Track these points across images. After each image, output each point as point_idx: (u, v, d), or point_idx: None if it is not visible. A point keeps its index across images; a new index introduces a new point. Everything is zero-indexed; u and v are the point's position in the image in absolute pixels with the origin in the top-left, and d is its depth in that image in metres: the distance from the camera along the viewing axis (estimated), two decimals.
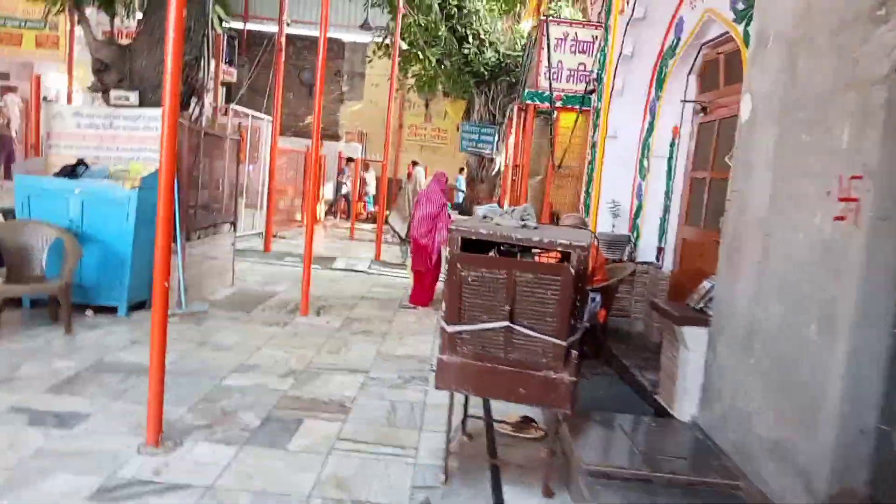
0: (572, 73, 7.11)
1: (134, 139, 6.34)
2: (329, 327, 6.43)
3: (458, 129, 15.05)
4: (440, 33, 13.06)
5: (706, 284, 4.11)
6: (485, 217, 3.68)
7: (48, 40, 10.67)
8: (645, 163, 6.19)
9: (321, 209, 17.48)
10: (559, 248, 3.07)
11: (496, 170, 14.30)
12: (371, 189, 19.45)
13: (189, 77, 6.59)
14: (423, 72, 14.36)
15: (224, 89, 20.66)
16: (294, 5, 18.79)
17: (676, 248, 5.76)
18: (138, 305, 6.27)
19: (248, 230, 11.82)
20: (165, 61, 3.33)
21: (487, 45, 12.91)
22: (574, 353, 3.07)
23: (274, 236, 12.47)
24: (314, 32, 23.51)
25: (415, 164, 15.62)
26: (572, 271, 2.89)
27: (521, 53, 12.89)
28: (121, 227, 5.90)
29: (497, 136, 13.93)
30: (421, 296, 7.70)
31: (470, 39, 12.89)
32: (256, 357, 5.21)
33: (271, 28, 18.77)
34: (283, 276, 9.00)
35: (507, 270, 2.97)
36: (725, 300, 3.54)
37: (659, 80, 6.07)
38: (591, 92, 6.96)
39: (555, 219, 7.03)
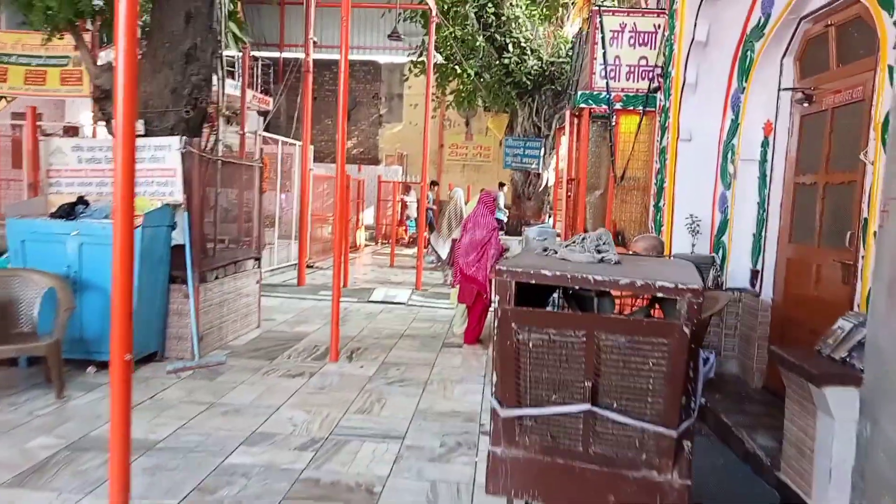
0: (632, 69, 6.14)
1: (139, 172, 5.64)
2: (361, 375, 5.55)
3: (500, 144, 14.17)
4: (478, 44, 12.26)
5: (844, 324, 3.06)
6: (546, 250, 2.75)
7: (72, 76, 10.34)
8: (729, 168, 5.15)
9: (361, 236, 16.81)
10: (660, 293, 2.11)
11: (544, 185, 13.32)
12: (413, 212, 18.70)
13: (199, 100, 5.91)
14: (461, 86, 13.57)
15: (262, 119, 20.43)
16: (328, 30, 18.43)
17: (778, 270, 4.68)
18: (147, 359, 5.54)
19: (283, 262, 11.16)
20: (115, 68, 2.54)
21: (529, 52, 12.04)
22: (687, 444, 2.09)
23: (310, 266, 11.79)
24: (351, 56, 23.22)
25: (434, 184, 14.83)
26: (686, 330, 1.93)
27: (565, 60, 11.96)
28: None
29: (543, 149, 12.98)
30: (468, 332, 6.78)
31: (510, 48, 12.04)
32: (273, 421, 4.36)
33: (314, 56, 18.46)
34: (317, 312, 8.21)
35: (588, 331, 2.03)
36: (892, 350, 2.50)
37: (743, 69, 5.05)
38: (657, 90, 5.97)
39: (619, 239, 6.02)
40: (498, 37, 12.08)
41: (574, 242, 2.70)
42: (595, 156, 6.28)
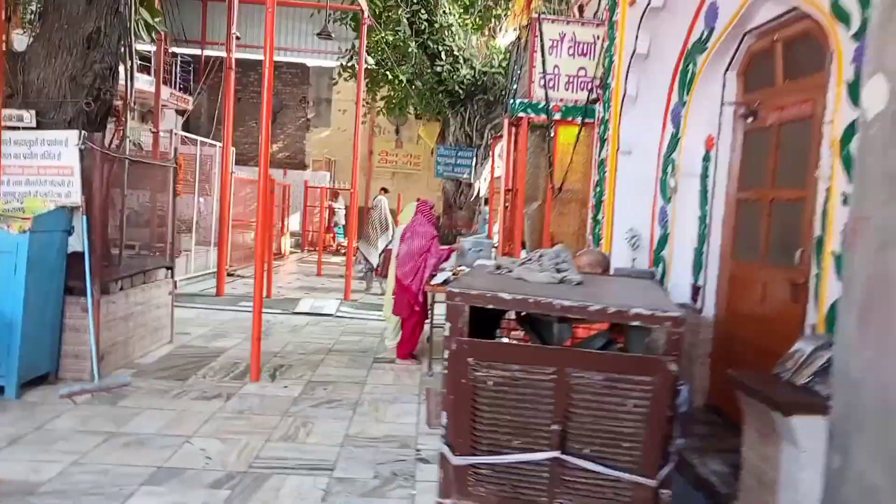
0: (571, 79, 6.01)
1: (29, 169, 5.01)
2: (286, 397, 5.11)
3: (432, 153, 13.92)
4: (410, 50, 11.97)
5: (804, 347, 2.94)
6: (499, 267, 2.46)
7: None
8: (670, 182, 5.06)
9: (287, 243, 16.15)
10: (635, 321, 1.85)
11: (475, 195, 13.16)
12: (341, 219, 18.18)
13: (103, 90, 5.31)
14: (392, 93, 13.24)
15: (181, 118, 19.36)
16: (254, 29, 17.69)
17: (720, 287, 4.60)
18: (37, 381, 4.89)
19: (201, 270, 10.43)
20: None
21: (462, 61, 11.86)
22: (666, 494, 1.84)
23: (231, 275, 11.10)
24: (278, 57, 22.40)
25: (384, 190, 14.47)
26: (672, 367, 1.68)
27: (498, 70, 11.86)
28: (7, 282, 4.54)
29: (475, 159, 12.83)
30: (401, 346, 6.43)
31: (443, 56, 11.82)
32: (183, 454, 3.87)
33: (238, 55, 17.65)
34: (237, 325, 7.64)
35: (559, 367, 1.74)
36: (864, 380, 2.35)
37: (684, 82, 4.97)
38: (596, 101, 5.85)
39: None
40: (431, 44, 11.83)
41: (531, 260, 2.43)
42: (533, 166, 6.10)
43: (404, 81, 12.49)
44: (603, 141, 5.62)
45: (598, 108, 5.81)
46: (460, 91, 11.91)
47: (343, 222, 17.94)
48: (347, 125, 21.61)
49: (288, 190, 16.31)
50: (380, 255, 9.84)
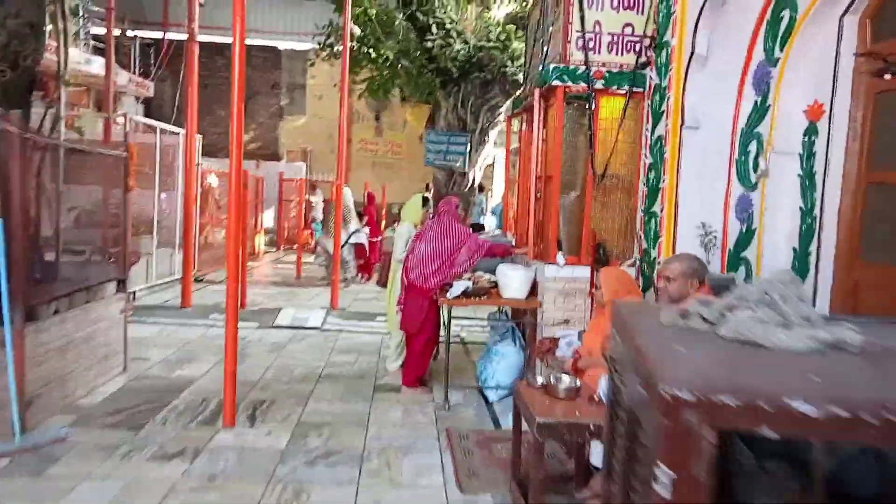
0: (616, 39, 4.90)
1: None
2: (270, 450, 3.95)
3: (421, 139, 12.74)
4: (396, 24, 10.75)
5: None
6: (685, 316, 1.33)
7: None
8: (760, 164, 3.99)
9: (261, 241, 14.87)
10: None
11: (469, 185, 12.02)
12: (319, 214, 16.88)
13: (21, 55, 4.05)
14: (376, 73, 11.98)
15: (143, 106, 17.86)
16: (221, 10, 16.29)
17: (841, 297, 3.55)
18: None
19: (164, 277, 9.15)
20: None
21: (455, 35, 10.66)
22: None
23: (198, 281, 9.84)
24: (248, 40, 20.97)
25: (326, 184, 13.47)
26: None
27: (496, 45, 10.70)
28: None
29: (469, 145, 11.67)
30: (407, 370, 5.30)
31: (433, 30, 10.62)
32: None
33: (204, 38, 16.24)
34: (206, 345, 6.43)
35: None
36: None
37: (775, 34, 3.90)
38: (646, 65, 4.75)
39: (601, 254, 4.76)
40: (420, 16, 10.62)
41: (744, 300, 1.30)
42: (570, 147, 4.98)
43: (390, 59, 11.27)
44: (657, 114, 4.52)
45: (650, 73, 4.71)
46: (453, 69, 10.72)
47: (321, 217, 16.65)
48: (324, 112, 20.31)
49: (261, 183, 15.00)
50: (342, 246, 9.69)
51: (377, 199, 12.33)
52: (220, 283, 9.98)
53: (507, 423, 4.24)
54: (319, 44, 12.45)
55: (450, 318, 4.98)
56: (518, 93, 11.23)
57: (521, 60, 8.74)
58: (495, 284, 5.09)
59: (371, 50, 11.27)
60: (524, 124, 5.90)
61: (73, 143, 5.02)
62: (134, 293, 8.19)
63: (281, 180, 16.10)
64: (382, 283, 5.88)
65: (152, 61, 18.00)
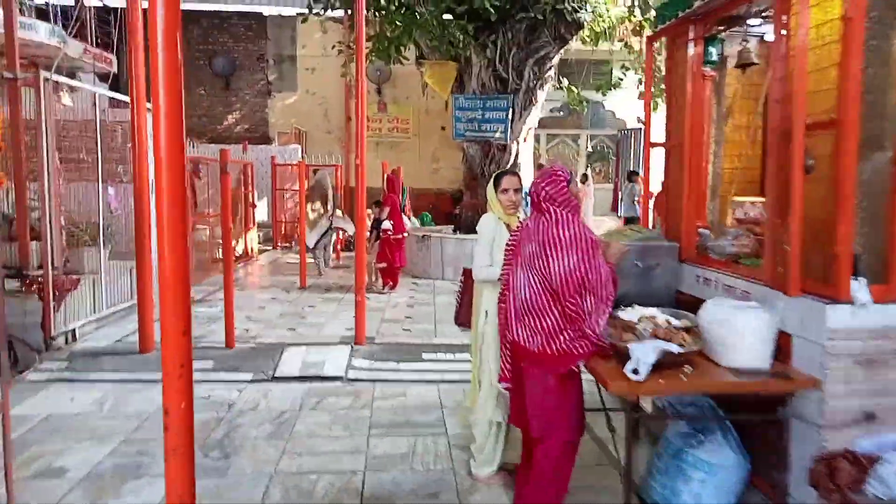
0: None
1: None
2: None
3: (446, 106, 10.22)
4: None
5: None
6: None
7: None
8: None
9: (253, 239, 12.41)
10: None
11: (511, 161, 9.56)
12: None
13: None
14: (389, 27, 9.42)
15: (106, 86, 15.23)
16: None
17: None
18: None
19: (120, 302, 6.65)
20: None
21: None
22: None
23: None
24: (227, 6, 18.23)
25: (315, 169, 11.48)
26: None
27: None
28: None
29: (511, 110, 9.20)
30: (539, 491, 2.87)
31: None
32: None
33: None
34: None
35: None
36: None
37: None
38: None
39: None
40: None
41: None
42: (870, 77, 2.52)
43: (402, 6, 8.77)
44: None
45: None
46: (490, 10, 8.19)
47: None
48: (317, 87, 17.70)
49: (251, 170, 12.51)
50: (319, 238, 9.70)
51: (401, 182, 9.82)
52: (200, 303, 7.54)
53: None
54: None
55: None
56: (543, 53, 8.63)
57: None
58: (687, 330, 2.68)
59: None
60: (693, 43, 3.42)
61: None
62: (73, 332, 5.76)
63: (273, 166, 13.60)
64: (464, 321, 3.47)
65: (114, 31, 15.35)
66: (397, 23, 9.19)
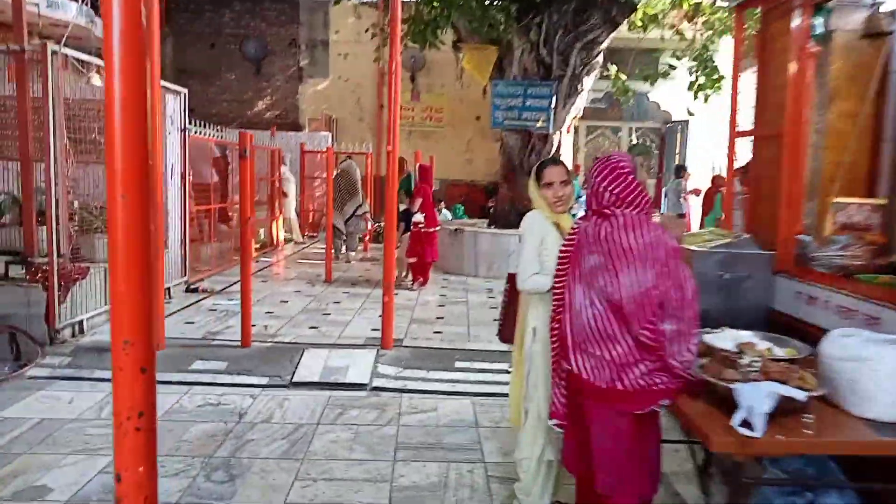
0: None
1: None
2: None
3: (484, 92, 9.64)
4: None
5: None
6: None
7: None
8: None
9: (279, 228, 12.01)
10: None
11: (553, 151, 8.96)
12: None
13: None
14: (425, 8, 8.87)
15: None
16: None
17: None
18: None
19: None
20: None
21: None
22: None
23: (193, 290, 7.06)
24: None
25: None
26: None
27: None
28: None
29: (555, 98, 8.59)
30: None
31: None
32: None
33: None
34: (177, 437, 3.57)
35: None
36: None
37: None
38: None
39: None
40: None
41: None
42: None
43: None
44: None
45: None
46: None
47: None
48: (350, 73, 17.20)
49: (279, 156, 12.10)
50: (346, 220, 9.77)
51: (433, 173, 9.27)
52: (220, 294, 7.14)
53: None
54: None
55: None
56: (591, 38, 7.96)
57: None
58: (795, 362, 2.12)
59: None
60: (801, 12, 2.81)
61: None
62: (81, 324, 5.38)
63: (302, 153, 13.20)
64: (508, 336, 2.93)
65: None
66: (434, 4, 8.64)
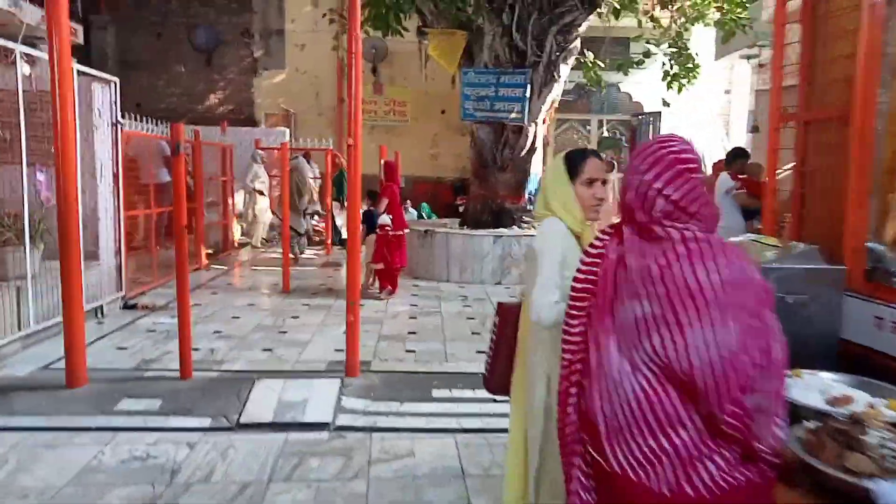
0: None
1: None
2: None
3: (453, 82, 8.94)
4: None
5: None
6: None
7: None
8: None
9: (237, 230, 11.15)
10: None
11: (528, 146, 8.34)
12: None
13: None
14: None
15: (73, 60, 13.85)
16: None
17: None
18: None
19: (51, 316, 5.35)
20: None
21: None
22: None
23: (131, 307, 6.23)
24: None
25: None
26: None
27: None
28: None
29: (530, 86, 7.96)
30: None
31: None
32: None
33: None
34: None
35: None
36: None
37: None
38: None
39: None
40: None
41: None
42: None
43: None
44: None
45: None
46: None
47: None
48: (307, 65, 16.30)
49: (230, 153, 11.22)
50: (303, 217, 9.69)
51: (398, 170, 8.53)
52: (163, 311, 6.29)
53: None
54: None
55: None
56: (567, 21, 7.34)
57: None
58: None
59: None
60: None
61: None
62: None
63: (257, 149, 12.28)
64: (498, 387, 2.26)
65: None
66: None
